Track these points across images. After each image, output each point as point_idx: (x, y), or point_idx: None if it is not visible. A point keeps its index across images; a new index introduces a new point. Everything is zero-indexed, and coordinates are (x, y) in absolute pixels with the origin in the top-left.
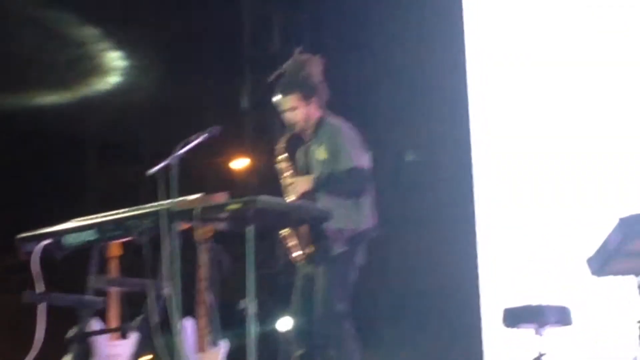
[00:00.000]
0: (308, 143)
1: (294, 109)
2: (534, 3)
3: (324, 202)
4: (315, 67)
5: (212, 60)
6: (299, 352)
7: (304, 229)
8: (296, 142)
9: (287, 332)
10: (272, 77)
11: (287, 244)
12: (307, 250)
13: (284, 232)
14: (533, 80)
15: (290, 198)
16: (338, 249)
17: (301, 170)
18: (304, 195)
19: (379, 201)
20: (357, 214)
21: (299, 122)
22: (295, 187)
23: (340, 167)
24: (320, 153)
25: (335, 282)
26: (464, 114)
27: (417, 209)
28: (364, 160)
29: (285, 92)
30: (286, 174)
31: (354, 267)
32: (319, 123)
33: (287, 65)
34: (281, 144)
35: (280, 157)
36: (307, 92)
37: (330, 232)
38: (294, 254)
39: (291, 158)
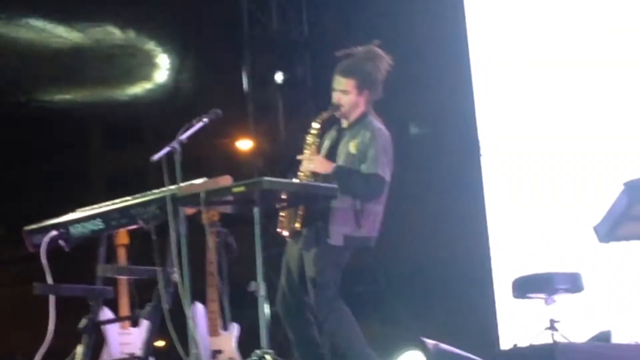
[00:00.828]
0: (342, 131)
1: (345, 92)
2: None
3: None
4: (382, 65)
5: (212, 42)
6: (290, 335)
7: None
8: (329, 125)
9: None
10: (340, 53)
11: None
12: (294, 226)
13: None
14: (534, 51)
15: (303, 172)
16: (334, 242)
17: (324, 152)
18: (315, 175)
19: None
20: (361, 217)
21: (344, 107)
22: (312, 163)
23: (363, 169)
24: (351, 146)
25: (327, 267)
26: (468, 85)
27: (425, 181)
28: (386, 172)
29: (344, 74)
30: (309, 148)
31: (344, 260)
32: (361, 117)
33: (359, 50)
34: (319, 119)
35: (313, 131)
36: (364, 82)
37: (332, 226)
38: (281, 229)
39: (321, 136)
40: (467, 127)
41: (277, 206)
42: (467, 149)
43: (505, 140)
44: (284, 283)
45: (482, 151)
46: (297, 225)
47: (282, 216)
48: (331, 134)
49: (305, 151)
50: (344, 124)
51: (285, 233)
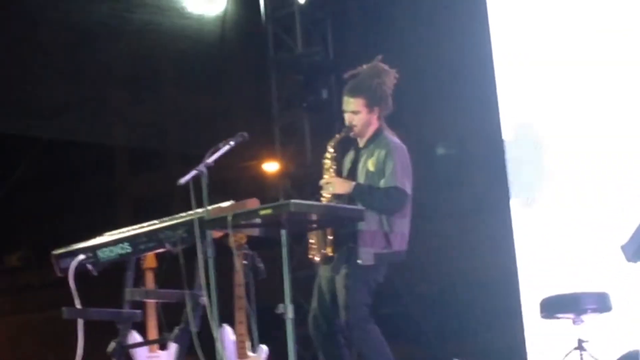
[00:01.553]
0: (360, 150)
1: (356, 112)
2: None
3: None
4: (389, 79)
5: (238, 66)
6: (320, 357)
7: (328, 230)
8: (347, 144)
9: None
10: (347, 75)
11: (308, 242)
12: (326, 252)
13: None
14: (559, 70)
15: (325, 196)
16: (364, 262)
17: (345, 173)
18: (338, 197)
19: (415, 196)
20: (389, 233)
21: (357, 126)
22: (332, 186)
23: (382, 184)
24: (369, 164)
25: (358, 287)
26: (494, 106)
27: (452, 201)
28: (406, 184)
29: (352, 94)
30: (329, 171)
31: (376, 280)
32: (375, 134)
33: (364, 68)
34: (333, 142)
35: (328, 155)
36: (373, 100)
37: (361, 246)
38: (312, 255)
39: (338, 158)
40: (494, 147)
41: (305, 229)
42: (493, 168)
43: (531, 156)
44: (316, 306)
45: (508, 167)
46: (329, 250)
47: (312, 243)
48: (350, 155)
49: (325, 175)
50: (361, 143)
51: (317, 259)
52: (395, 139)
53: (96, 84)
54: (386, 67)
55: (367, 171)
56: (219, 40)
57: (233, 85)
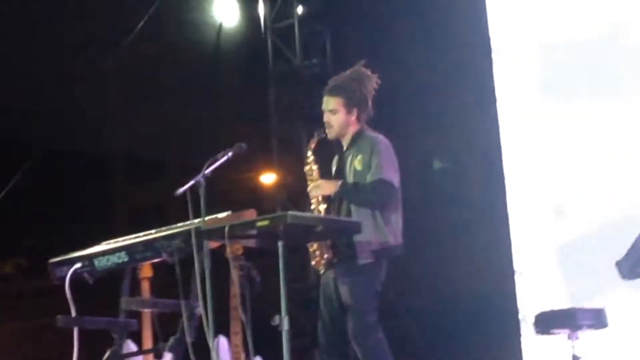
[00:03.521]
0: (344, 152)
1: (334, 111)
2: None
3: (354, 213)
4: (369, 83)
5: (237, 76)
6: None
7: None
8: (333, 147)
9: (319, 343)
10: (330, 80)
11: (309, 250)
12: (327, 256)
13: None
14: (560, 83)
15: (314, 202)
16: (363, 260)
17: (335, 175)
18: (329, 200)
19: (412, 210)
20: (384, 228)
21: (334, 127)
22: (319, 188)
23: (369, 178)
24: (355, 163)
25: (363, 293)
26: (494, 120)
27: (450, 215)
28: (393, 176)
29: (331, 93)
30: (312, 176)
31: (379, 279)
32: (358, 134)
33: (346, 71)
34: (310, 146)
35: (307, 160)
36: (351, 100)
37: (358, 244)
38: (314, 261)
39: (320, 161)
40: (493, 161)
41: (306, 243)
42: (492, 182)
43: (530, 173)
44: (324, 312)
45: (506, 181)
46: (330, 255)
47: (314, 249)
48: (335, 160)
49: (310, 180)
50: (344, 145)
51: (321, 268)
52: (379, 135)
53: (94, 93)
54: (368, 71)
55: (355, 170)
56: (218, 51)
57: (232, 96)
